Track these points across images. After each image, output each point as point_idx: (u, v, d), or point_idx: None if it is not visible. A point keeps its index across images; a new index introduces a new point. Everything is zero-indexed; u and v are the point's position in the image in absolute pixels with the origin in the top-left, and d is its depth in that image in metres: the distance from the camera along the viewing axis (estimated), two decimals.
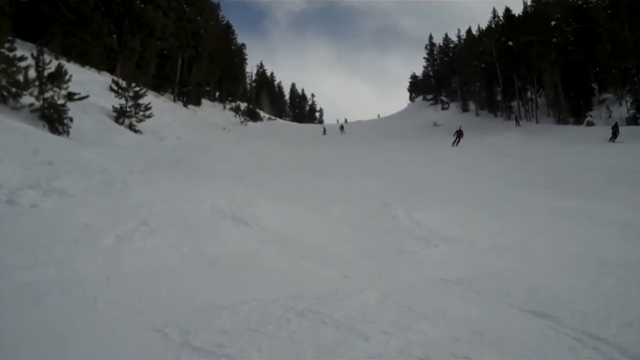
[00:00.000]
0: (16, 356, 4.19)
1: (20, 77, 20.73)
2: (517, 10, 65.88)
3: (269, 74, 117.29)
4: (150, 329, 4.78)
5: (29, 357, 4.20)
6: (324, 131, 60.77)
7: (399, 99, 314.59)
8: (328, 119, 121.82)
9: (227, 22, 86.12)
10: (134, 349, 4.46)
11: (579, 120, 45.51)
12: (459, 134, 36.75)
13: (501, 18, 65.69)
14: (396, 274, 7.66)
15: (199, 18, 61.67)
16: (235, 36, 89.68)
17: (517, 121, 52.65)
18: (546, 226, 11.71)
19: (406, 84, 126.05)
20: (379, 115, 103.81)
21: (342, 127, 62.25)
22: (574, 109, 48.33)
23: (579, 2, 52.11)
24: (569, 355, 4.65)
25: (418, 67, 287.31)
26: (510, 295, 6.44)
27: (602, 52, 45.00)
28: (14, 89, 20.66)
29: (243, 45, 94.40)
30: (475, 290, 6.72)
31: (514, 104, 60.93)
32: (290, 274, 7.39)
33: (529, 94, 59.85)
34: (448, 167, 24.13)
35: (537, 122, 52.90)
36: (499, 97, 65.02)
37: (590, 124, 40.89)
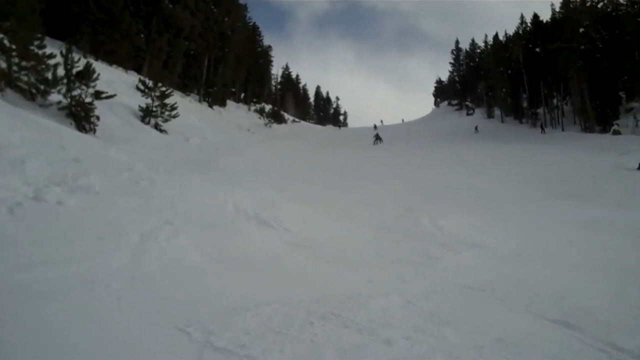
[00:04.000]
0: (41, 347, 4.23)
1: (49, 75, 20.88)
2: (545, 16, 65.24)
3: (294, 76, 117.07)
4: (174, 328, 4.82)
5: (54, 350, 4.24)
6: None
7: (422, 103, 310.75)
8: (352, 123, 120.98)
9: (254, 23, 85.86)
10: (157, 347, 4.49)
11: (605, 129, 44.79)
12: None
13: (529, 24, 65.02)
14: (419, 279, 7.65)
15: (226, 19, 61.72)
16: (261, 38, 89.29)
17: (542, 128, 51.99)
18: (570, 234, 11.63)
19: (429, 86, 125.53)
20: (403, 120, 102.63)
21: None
22: (600, 117, 47.64)
23: (608, 9, 51.43)
24: None
25: (441, 70, 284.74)
26: (534, 304, 6.41)
27: (631, 60, 44.26)
28: (42, 87, 20.85)
29: (269, 47, 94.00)
30: (498, 298, 6.70)
31: (540, 110, 60.21)
32: (314, 277, 7.41)
33: (555, 101, 59.05)
34: (473, 174, 23.96)
35: (563, 130, 52.25)
36: (524, 104, 64.43)
37: (616, 132, 40.31)
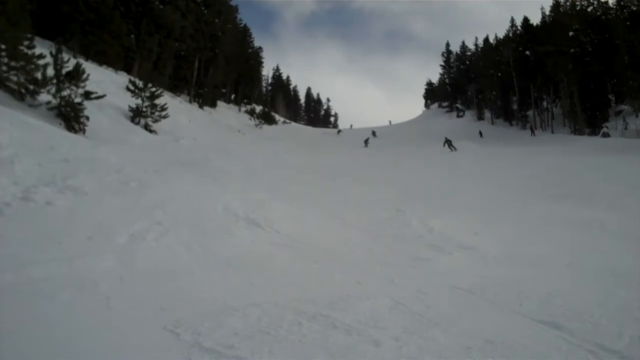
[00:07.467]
0: (29, 349, 4.20)
1: (39, 75, 20.75)
2: (536, 20, 65.43)
3: (284, 77, 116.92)
4: (162, 329, 4.79)
5: (42, 351, 4.21)
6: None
7: (410, 104, 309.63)
8: (342, 124, 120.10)
9: (245, 25, 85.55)
10: (146, 348, 4.46)
11: (594, 131, 44.94)
12: None
13: (519, 27, 65.31)
14: (409, 280, 7.64)
15: (216, 20, 61.49)
16: (252, 39, 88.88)
17: (532, 130, 52.03)
18: (560, 236, 11.64)
19: (418, 88, 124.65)
20: (390, 122, 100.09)
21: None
22: (589, 119, 47.88)
23: (598, 13, 51.75)
24: None
25: (430, 71, 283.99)
26: (523, 305, 6.41)
27: (620, 63, 44.35)
28: (31, 86, 20.71)
29: (260, 48, 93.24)
30: (487, 299, 6.69)
31: (530, 113, 60.33)
32: (303, 278, 7.38)
33: (544, 103, 59.27)
34: (464, 176, 23.99)
35: (553, 132, 52.39)
36: (514, 106, 64.52)
37: (605, 135, 40.43)
